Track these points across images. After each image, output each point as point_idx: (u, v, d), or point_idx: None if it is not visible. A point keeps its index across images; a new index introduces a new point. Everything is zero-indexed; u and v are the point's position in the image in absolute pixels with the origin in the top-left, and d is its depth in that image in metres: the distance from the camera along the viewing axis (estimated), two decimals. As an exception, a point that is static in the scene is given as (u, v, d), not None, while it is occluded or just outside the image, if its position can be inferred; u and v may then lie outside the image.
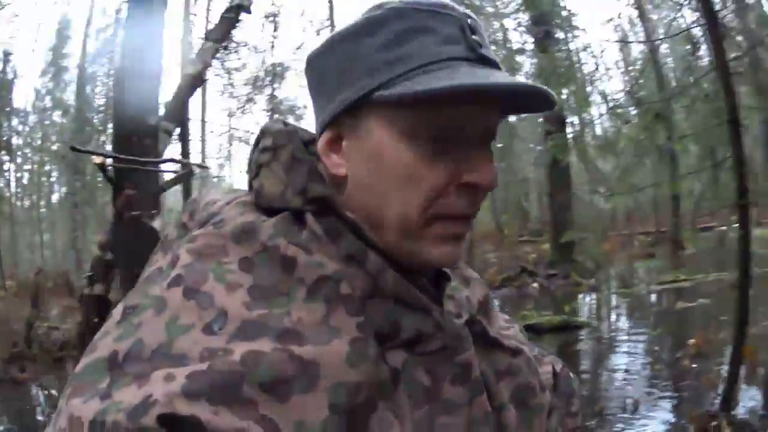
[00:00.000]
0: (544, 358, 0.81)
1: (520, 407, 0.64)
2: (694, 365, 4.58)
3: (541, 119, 12.41)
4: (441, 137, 0.55)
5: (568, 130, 10.91)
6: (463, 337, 0.60)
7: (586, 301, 8.93)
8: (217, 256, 0.52)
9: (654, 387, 4.49)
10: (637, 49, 13.39)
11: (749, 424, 3.52)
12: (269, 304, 0.49)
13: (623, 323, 7.51)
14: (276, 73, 13.08)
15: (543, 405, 0.68)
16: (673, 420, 3.85)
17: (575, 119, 11.22)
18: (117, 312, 0.49)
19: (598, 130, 11.54)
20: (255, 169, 0.61)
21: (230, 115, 14.25)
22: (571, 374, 0.81)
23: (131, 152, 3.68)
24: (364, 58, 0.55)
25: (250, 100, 13.06)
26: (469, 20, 0.56)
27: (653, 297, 8.46)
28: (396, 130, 0.55)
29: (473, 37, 0.55)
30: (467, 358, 0.59)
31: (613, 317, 7.98)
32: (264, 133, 0.63)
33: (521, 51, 12.68)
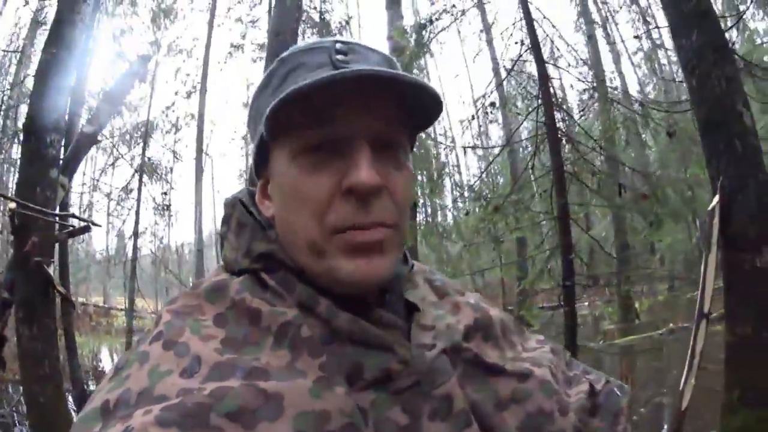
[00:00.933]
0: (586, 377, 0.77)
1: None
2: None
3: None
4: (319, 148, 0.57)
5: (419, 216, 11.62)
6: (438, 369, 0.59)
7: None
8: (194, 314, 0.57)
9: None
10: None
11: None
12: (240, 352, 0.53)
13: None
14: (147, 131, 12.84)
15: (563, 430, 0.64)
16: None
17: (426, 203, 12.00)
18: (109, 371, 0.54)
19: (448, 216, 12.33)
20: (220, 241, 0.68)
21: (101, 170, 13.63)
22: (619, 390, 0.76)
23: (35, 201, 3.94)
24: (261, 108, 0.63)
25: (117, 157, 12.66)
26: (338, 45, 0.62)
27: None
28: (285, 155, 0.60)
29: (338, 56, 0.60)
30: (447, 390, 0.58)
31: None
32: (224, 206, 0.69)
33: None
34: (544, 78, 5.06)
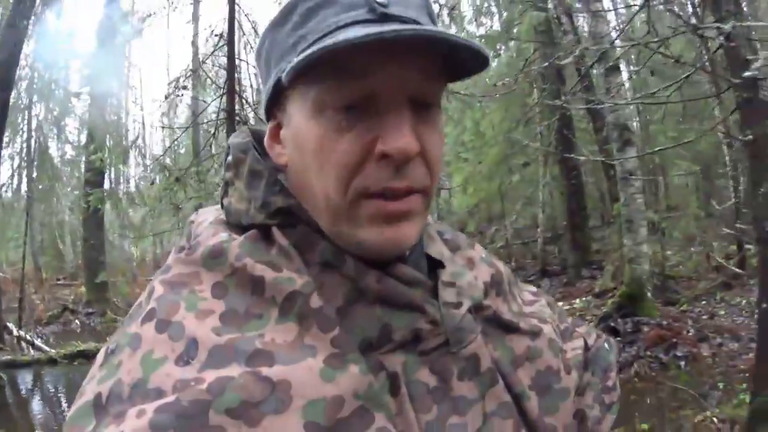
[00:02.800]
0: (577, 330, 0.77)
1: (544, 393, 0.63)
2: None
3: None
4: (350, 107, 0.51)
5: (107, 183, 11.76)
6: (466, 329, 0.58)
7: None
8: (191, 285, 0.52)
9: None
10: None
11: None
12: (242, 328, 0.49)
13: None
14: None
15: (568, 389, 0.65)
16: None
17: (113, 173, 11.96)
18: (100, 355, 0.50)
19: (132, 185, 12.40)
20: (224, 187, 0.61)
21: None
22: (608, 345, 0.77)
23: None
24: (279, 45, 0.56)
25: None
26: None
27: None
28: (307, 107, 0.53)
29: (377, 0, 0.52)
30: (473, 350, 0.58)
31: None
32: (229, 148, 0.62)
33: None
34: (231, 71, 6.09)
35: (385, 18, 0.52)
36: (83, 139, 14.29)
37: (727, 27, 3.00)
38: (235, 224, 0.59)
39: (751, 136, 3.23)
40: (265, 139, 0.61)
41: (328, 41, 0.47)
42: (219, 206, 0.64)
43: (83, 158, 13.39)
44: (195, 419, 0.43)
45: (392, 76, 0.51)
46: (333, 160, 0.52)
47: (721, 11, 3.31)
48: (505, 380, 0.60)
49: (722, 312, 6.70)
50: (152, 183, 8.08)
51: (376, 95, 0.52)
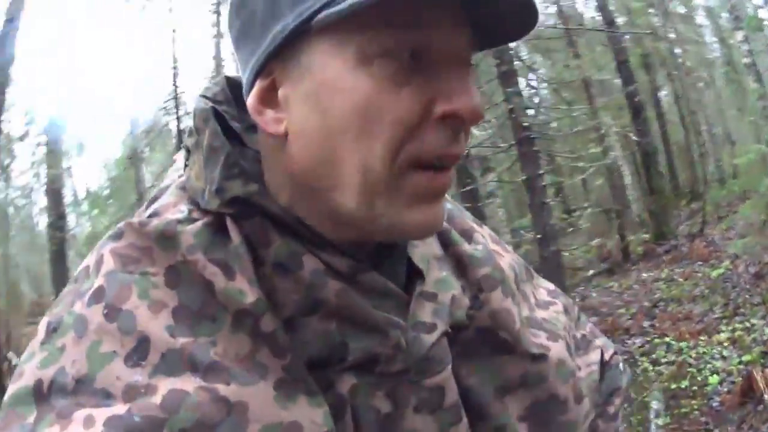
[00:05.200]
0: (595, 341, 0.71)
1: (541, 426, 0.56)
2: None
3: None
4: (405, 58, 0.43)
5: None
6: (434, 359, 0.51)
7: None
8: (143, 263, 0.46)
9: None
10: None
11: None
12: (194, 330, 0.44)
13: None
14: None
15: (575, 423, 0.58)
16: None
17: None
18: (41, 328, 0.46)
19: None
20: (186, 154, 0.53)
21: None
22: (621, 365, 0.71)
23: None
24: None
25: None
26: None
27: None
28: (348, 56, 0.44)
29: None
30: (439, 381, 0.51)
31: None
32: (195, 112, 0.52)
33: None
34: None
35: None
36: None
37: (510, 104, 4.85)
38: (193, 203, 0.50)
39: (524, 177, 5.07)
40: (251, 101, 0.48)
41: None
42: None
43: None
44: None
45: (450, 31, 0.45)
46: (386, 120, 0.43)
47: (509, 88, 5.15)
48: (480, 411, 0.54)
49: (594, 294, 8.27)
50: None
51: (433, 49, 0.44)
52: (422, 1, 0.43)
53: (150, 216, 0.50)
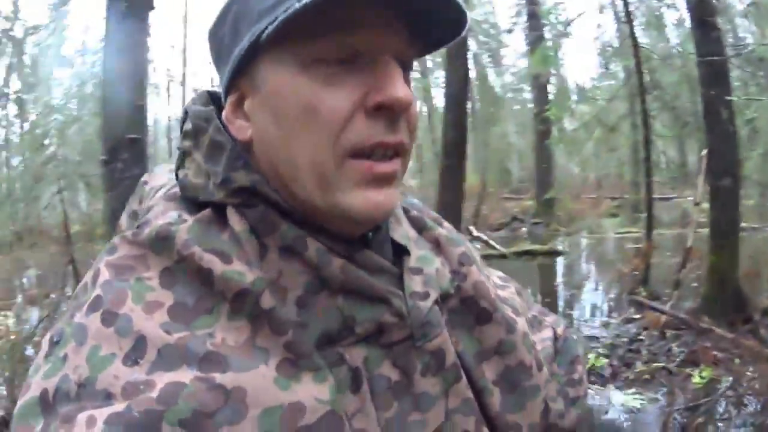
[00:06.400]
0: (545, 319, 0.77)
1: (511, 390, 0.61)
2: (635, 271, 6.78)
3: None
4: (338, 60, 0.50)
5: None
6: (432, 322, 0.56)
7: (564, 241, 11.36)
8: (137, 270, 0.49)
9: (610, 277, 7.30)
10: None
11: (657, 293, 5.84)
12: (191, 325, 0.46)
13: (589, 253, 10.55)
14: None
15: (538, 387, 0.63)
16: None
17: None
18: (45, 343, 0.48)
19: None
20: (180, 158, 0.57)
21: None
22: (575, 336, 0.77)
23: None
24: (252, 8, 0.52)
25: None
26: None
27: (612, 241, 11.08)
28: (290, 64, 0.51)
29: None
30: (439, 344, 0.56)
31: (582, 249, 10.89)
32: (186, 114, 0.58)
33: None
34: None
35: None
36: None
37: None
38: (191, 199, 0.54)
39: None
40: (224, 113, 0.55)
41: None
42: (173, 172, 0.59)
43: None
44: (147, 431, 0.41)
45: (381, 32, 0.51)
46: (322, 115, 0.49)
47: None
48: (468, 375, 0.58)
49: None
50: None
51: (366, 50, 0.50)
52: (353, 17, 0.49)
53: (139, 227, 0.52)
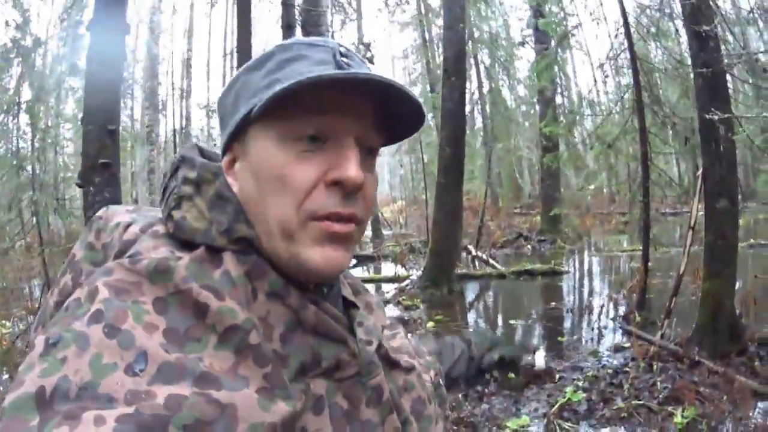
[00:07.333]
0: (426, 359, 0.92)
1: (419, 419, 0.73)
2: (633, 294, 6.75)
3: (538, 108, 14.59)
4: (311, 137, 0.60)
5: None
6: (374, 363, 0.68)
7: (567, 259, 11.35)
8: (133, 294, 0.52)
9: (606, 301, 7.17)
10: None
11: (652, 318, 5.82)
12: (183, 348, 0.50)
13: (591, 272, 10.34)
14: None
15: (432, 416, 0.76)
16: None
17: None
18: (39, 344, 0.48)
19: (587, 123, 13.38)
20: (176, 200, 0.62)
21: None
22: (442, 378, 0.94)
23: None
24: (251, 86, 0.63)
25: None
26: (341, 48, 0.63)
27: (617, 260, 11.00)
28: (271, 138, 0.61)
29: (342, 58, 0.62)
30: (378, 381, 0.67)
31: (585, 269, 10.77)
32: (185, 162, 0.65)
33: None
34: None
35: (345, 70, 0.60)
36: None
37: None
38: (183, 240, 0.60)
39: None
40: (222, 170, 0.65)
41: (302, 78, 0.56)
42: (129, 209, 0.66)
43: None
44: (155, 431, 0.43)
45: (346, 116, 0.60)
46: (290, 184, 0.59)
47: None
48: (397, 406, 0.69)
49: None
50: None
51: (332, 131, 0.60)
52: (323, 102, 0.60)
53: (131, 256, 0.57)
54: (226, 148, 0.66)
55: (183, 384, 0.47)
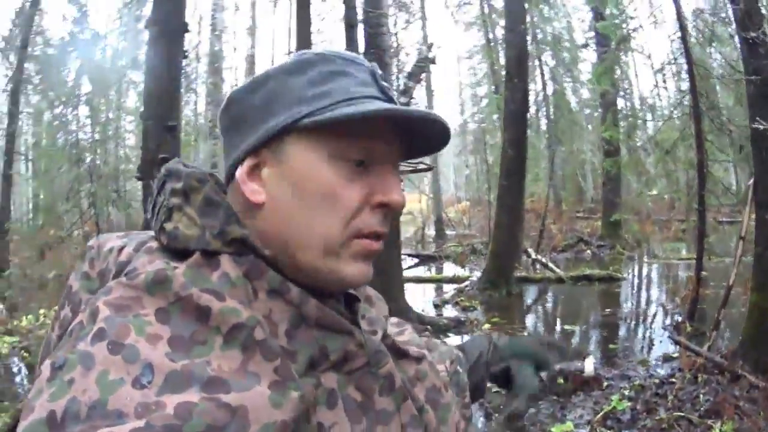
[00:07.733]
0: (438, 352, 0.92)
1: (435, 407, 0.73)
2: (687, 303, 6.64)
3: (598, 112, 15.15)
4: (359, 161, 0.62)
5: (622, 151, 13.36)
6: (382, 352, 0.68)
7: (625, 266, 11.44)
8: (134, 309, 0.53)
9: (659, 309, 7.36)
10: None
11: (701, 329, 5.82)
12: (189, 354, 0.50)
13: (648, 280, 10.57)
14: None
15: (450, 403, 0.77)
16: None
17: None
18: (45, 369, 0.49)
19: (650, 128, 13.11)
20: (167, 213, 0.62)
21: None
22: (461, 365, 0.92)
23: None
24: (293, 91, 0.63)
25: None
26: (378, 71, 0.67)
27: (674, 268, 10.99)
28: (320, 153, 0.62)
29: (382, 82, 0.66)
30: (388, 370, 0.67)
31: (642, 276, 10.99)
32: (171, 175, 0.65)
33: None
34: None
35: (387, 96, 0.66)
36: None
37: None
38: (178, 250, 0.60)
39: None
40: (241, 172, 0.64)
41: (368, 106, 0.60)
42: (124, 234, 0.67)
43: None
44: None
45: (390, 144, 0.65)
46: (341, 203, 0.61)
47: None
48: (411, 395, 0.70)
49: None
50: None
51: (378, 156, 0.64)
52: (374, 129, 0.62)
53: (128, 273, 0.57)
54: (252, 150, 0.64)
55: (191, 391, 0.48)
